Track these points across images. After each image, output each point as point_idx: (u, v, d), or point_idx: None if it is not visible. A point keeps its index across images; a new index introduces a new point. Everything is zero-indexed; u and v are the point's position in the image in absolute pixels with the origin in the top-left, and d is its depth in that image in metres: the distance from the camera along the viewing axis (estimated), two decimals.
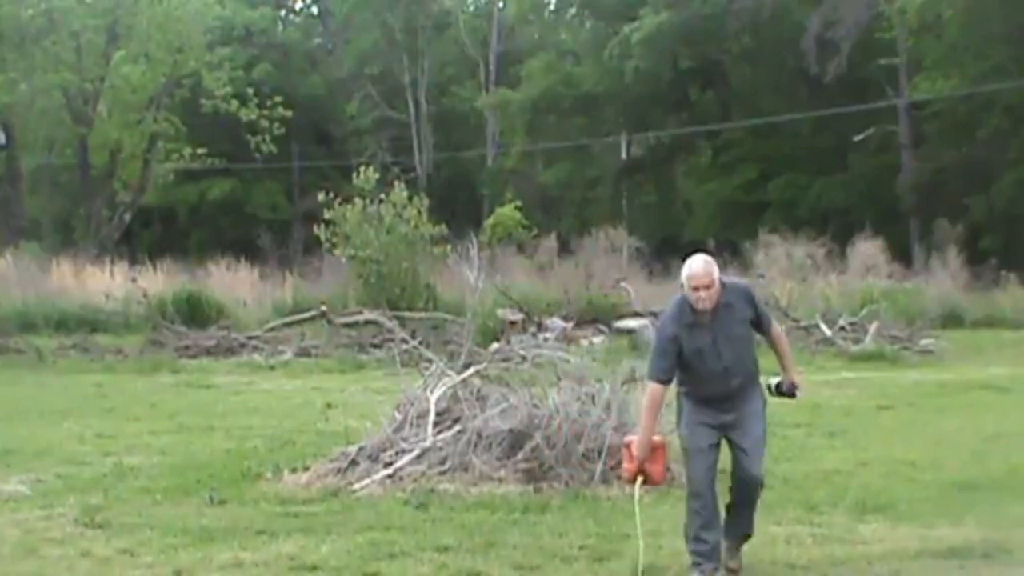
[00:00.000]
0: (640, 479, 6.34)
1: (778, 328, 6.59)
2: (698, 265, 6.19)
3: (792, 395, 6.54)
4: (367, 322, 20.59)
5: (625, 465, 6.44)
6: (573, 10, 48.98)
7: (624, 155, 45.85)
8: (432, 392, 9.12)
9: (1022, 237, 31.74)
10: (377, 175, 23.67)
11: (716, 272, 6.20)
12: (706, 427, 6.28)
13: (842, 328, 20.43)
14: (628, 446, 6.41)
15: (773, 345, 6.51)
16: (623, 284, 23.64)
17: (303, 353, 19.72)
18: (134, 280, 24.56)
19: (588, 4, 46.23)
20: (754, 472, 6.30)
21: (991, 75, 34.38)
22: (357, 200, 22.77)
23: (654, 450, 6.30)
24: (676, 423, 6.49)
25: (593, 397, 8.85)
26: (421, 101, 48.85)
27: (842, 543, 6.95)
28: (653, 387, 6.29)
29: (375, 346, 19.68)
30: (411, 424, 9.00)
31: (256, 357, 19.54)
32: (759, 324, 6.42)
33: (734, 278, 6.76)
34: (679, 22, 38.89)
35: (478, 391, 9.24)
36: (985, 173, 34.09)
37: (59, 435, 11.46)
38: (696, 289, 6.15)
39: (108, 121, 37.75)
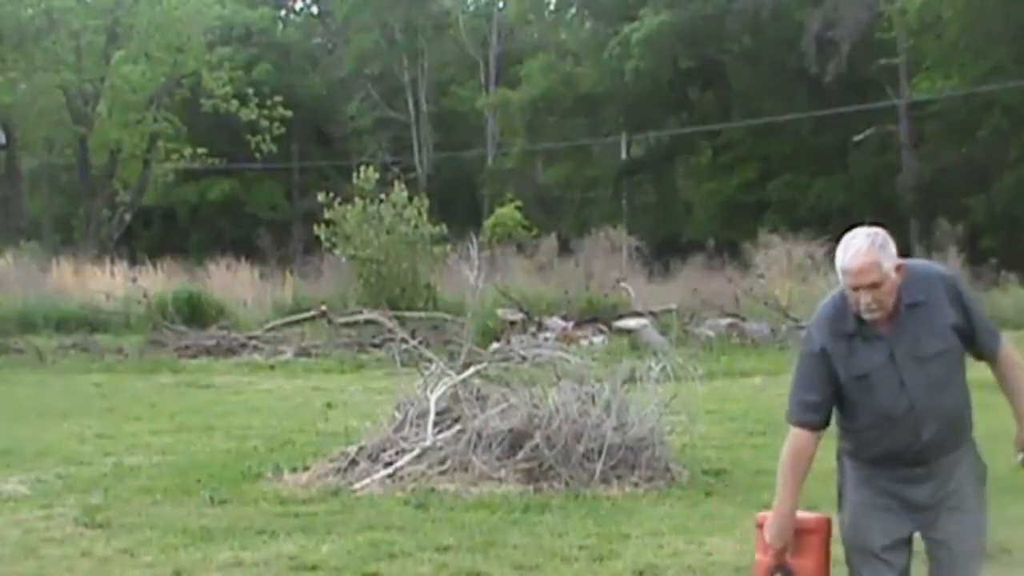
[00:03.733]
0: None
1: (1010, 350, 4.06)
2: (857, 250, 3.84)
3: None
4: (367, 322, 20.57)
5: (757, 556, 4.11)
6: (573, 10, 49.00)
7: (624, 155, 45.87)
8: (432, 392, 9.11)
9: (1022, 237, 31.74)
10: (377, 175, 23.68)
11: (890, 259, 3.84)
12: (884, 511, 3.98)
13: None
14: (760, 526, 4.10)
15: (999, 376, 4.07)
16: (623, 284, 23.64)
17: (303, 353, 19.72)
18: (134, 280, 24.56)
19: (588, 4, 46.25)
20: None
21: (991, 75, 34.40)
22: (357, 200, 22.77)
23: (803, 535, 4.03)
24: (837, 501, 4.18)
25: (593, 397, 8.84)
26: (421, 101, 48.85)
27: (841, 543, 6.93)
28: (795, 435, 3.96)
29: (375, 346, 19.68)
30: (411, 424, 8.99)
31: (256, 357, 19.54)
32: (973, 337, 3.96)
33: (929, 263, 4.18)
34: (679, 22, 38.92)
35: (478, 391, 9.23)
36: (985, 173, 34.12)
37: (59, 435, 11.45)
38: (855, 289, 3.84)
39: (108, 121, 37.77)
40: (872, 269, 3.80)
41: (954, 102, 35.65)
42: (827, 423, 3.98)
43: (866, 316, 3.84)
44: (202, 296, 24.75)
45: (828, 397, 3.93)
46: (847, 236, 3.94)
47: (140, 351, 19.91)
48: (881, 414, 3.89)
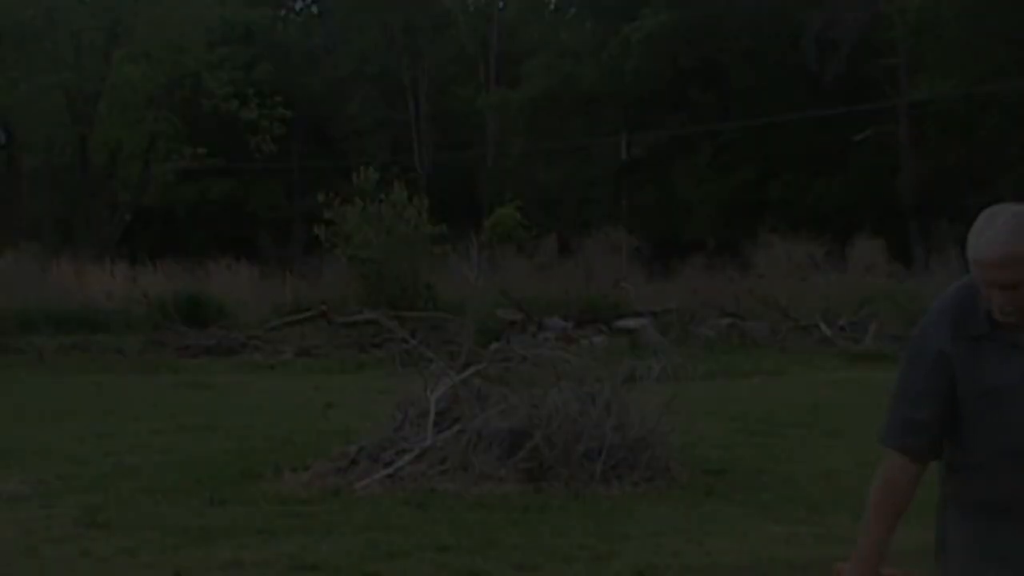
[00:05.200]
0: None
1: None
2: (994, 236, 2.80)
3: None
4: (367, 322, 20.59)
5: None
6: (573, 10, 49.01)
7: (624, 155, 45.86)
8: (432, 392, 9.12)
9: None
10: (377, 175, 23.70)
11: None
12: None
13: (842, 328, 20.45)
14: None
15: None
16: (623, 284, 23.66)
17: (303, 353, 19.74)
18: (134, 280, 24.58)
19: (588, 4, 46.25)
20: None
21: (991, 75, 34.40)
22: (357, 200, 22.80)
23: None
24: (936, 558, 3.23)
25: (593, 397, 8.84)
26: (421, 101, 48.85)
27: (842, 543, 6.92)
28: (891, 463, 3.01)
29: (375, 346, 19.69)
30: (411, 424, 9.00)
31: (256, 357, 19.55)
32: None
33: None
34: (679, 22, 38.92)
35: (478, 391, 9.24)
36: (985, 173, 34.11)
37: (59, 435, 11.46)
38: (991, 285, 2.85)
39: (108, 121, 37.76)
40: (1012, 263, 2.78)
41: (954, 102, 35.65)
42: (936, 452, 3.00)
43: (1000, 318, 2.88)
44: (202, 296, 24.75)
45: (940, 416, 2.94)
46: (984, 214, 2.87)
47: (140, 351, 19.93)
48: (1007, 446, 2.91)
